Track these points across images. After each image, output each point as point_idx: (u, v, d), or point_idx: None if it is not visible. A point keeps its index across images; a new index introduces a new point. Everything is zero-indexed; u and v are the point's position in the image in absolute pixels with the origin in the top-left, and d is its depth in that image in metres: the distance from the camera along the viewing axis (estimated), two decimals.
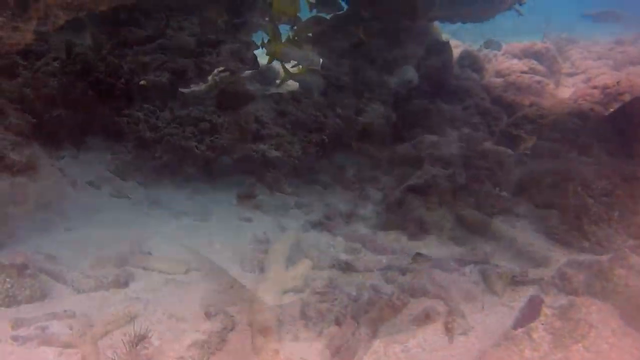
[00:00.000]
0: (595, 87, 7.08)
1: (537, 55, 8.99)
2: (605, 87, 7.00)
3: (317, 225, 3.73)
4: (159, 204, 3.83)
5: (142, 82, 6.87)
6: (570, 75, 10.33)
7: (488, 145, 5.34)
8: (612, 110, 4.47)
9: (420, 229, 3.67)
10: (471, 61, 8.65)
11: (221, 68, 7.00)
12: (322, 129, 5.39)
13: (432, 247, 3.58)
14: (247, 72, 8.11)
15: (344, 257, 3.36)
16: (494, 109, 6.03)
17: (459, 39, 15.35)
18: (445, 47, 6.68)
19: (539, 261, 3.40)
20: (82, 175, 4.00)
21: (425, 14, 5.31)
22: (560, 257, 3.47)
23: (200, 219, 3.64)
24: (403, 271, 3.18)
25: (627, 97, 6.71)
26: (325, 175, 4.62)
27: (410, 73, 5.53)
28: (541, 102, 6.21)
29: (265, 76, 9.67)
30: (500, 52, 9.68)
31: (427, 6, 5.30)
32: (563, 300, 2.89)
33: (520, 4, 7.03)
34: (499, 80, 8.42)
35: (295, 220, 3.72)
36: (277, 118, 5.70)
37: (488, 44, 11.26)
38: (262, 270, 3.02)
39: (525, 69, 8.81)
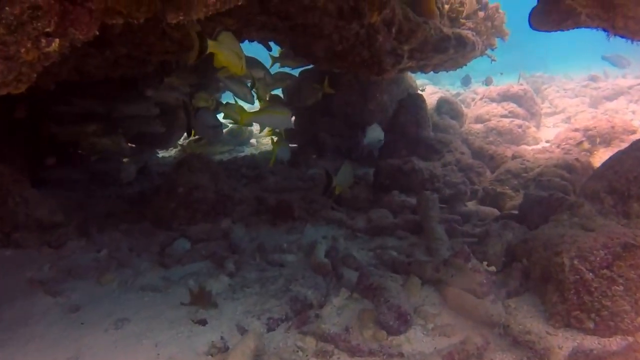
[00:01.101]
0: (576, 130, 6.87)
1: (515, 98, 8.83)
2: (586, 129, 6.81)
3: (283, 322, 3.24)
4: (97, 309, 3.30)
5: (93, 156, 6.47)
6: (550, 114, 10.20)
7: (472, 206, 4.96)
8: (600, 165, 4.11)
9: (400, 319, 3.18)
10: (449, 108, 8.46)
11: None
12: (291, 200, 4.98)
13: (415, 341, 3.10)
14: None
15: None
16: (475, 164, 5.67)
17: (435, 83, 15.40)
18: (418, 99, 6.40)
19: (539, 352, 2.94)
20: (9, 280, 3.50)
21: (393, 68, 5.01)
22: (563, 342, 3.02)
23: (146, 326, 3.12)
24: None
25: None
26: (294, 254, 4.15)
27: (377, 131, 5.19)
28: (524, 152, 5.89)
29: (235, 136, 9.36)
30: (478, 97, 9.52)
31: (395, 60, 5.00)
32: None
33: (492, 50, 6.84)
34: (479, 125, 8.19)
35: (257, 318, 3.22)
36: (242, 188, 5.30)
37: (488, 81, 11.26)
38: None
39: (505, 112, 8.63)
